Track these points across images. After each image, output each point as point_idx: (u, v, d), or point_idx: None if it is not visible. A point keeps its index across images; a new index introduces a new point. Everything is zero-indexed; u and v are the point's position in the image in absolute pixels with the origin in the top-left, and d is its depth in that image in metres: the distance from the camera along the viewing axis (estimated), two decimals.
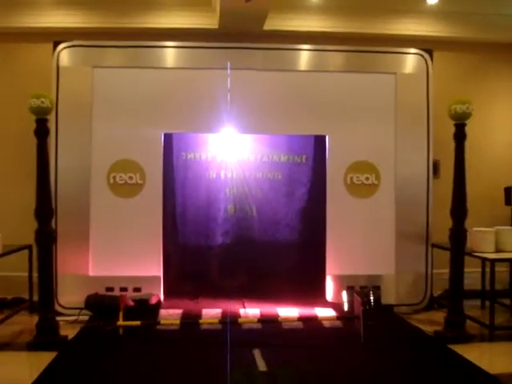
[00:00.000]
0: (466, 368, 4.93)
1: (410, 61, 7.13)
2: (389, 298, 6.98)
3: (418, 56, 7.11)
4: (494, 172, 7.90)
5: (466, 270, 6.32)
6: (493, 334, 5.85)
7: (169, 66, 6.97)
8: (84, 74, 6.76)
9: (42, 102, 5.42)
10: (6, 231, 6.32)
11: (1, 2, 7.12)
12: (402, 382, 4.67)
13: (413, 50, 7.14)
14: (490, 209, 7.63)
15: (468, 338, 5.74)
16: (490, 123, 8.02)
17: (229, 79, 6.86)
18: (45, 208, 5.62)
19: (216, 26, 7.22)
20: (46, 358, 5.09)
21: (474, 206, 6.71)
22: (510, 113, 8.13)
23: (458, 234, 5.91)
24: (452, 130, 5.93)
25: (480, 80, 7.95)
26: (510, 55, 8.03)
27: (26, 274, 6.72)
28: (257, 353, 5.25)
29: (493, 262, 5.89)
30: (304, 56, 7.13)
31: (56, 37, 6.94)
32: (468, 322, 6.03)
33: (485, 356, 5.36)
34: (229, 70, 6.82)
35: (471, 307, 6.67)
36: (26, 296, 6.84)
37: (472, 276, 7.03)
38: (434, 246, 7.00)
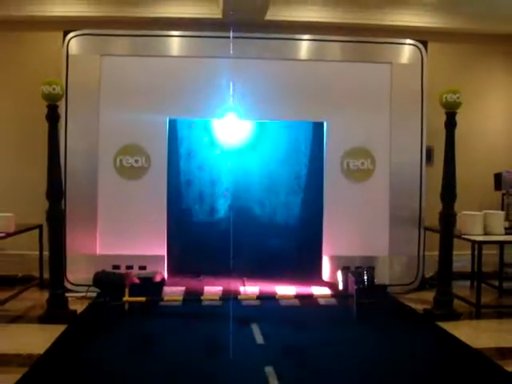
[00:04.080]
0: (452, 343, 5.24)
1: (406, 51, 7.35)
2: (382, 278, 7.26)
3: (414, 47, 7.33)
4: (485, 159, 8.12)
5: (458, 252, 6.62)
6: (479, 312, 6.11)
7: (174, 55, 7.20)
8: (92, 62, 7.00)
9: (54, 89, 5.65)
10: (18, 211, 6.61)
11: None
12: (391, 354, 4.95)
13: (408, 41, 7.35)
14: (481, 194, 7.85)
15: (455, 316, 6.03)
16: (483, 112, 8.25)
17: (231, 68, 7.07)
18: (55, 189, 5.88)
19: (220, 16, 7.42)
20: (56, 330, 5.40)
21: (466, 192, 7.00)
22: (501, 102, 8.35)
23: (448, 218, 6.15)
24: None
25: (473, 70, 8.15)
26: (503, 46, 8.23)
27: (37, 252, 7.00)
28: (255, 327, 5.52)
29: (480, 244, 6.15)
30: (303, 46, 7.35)
31: (66, 25, 7.17)
32: (456, 301, 6.31)
33: (470, 332, 5.60)
34: (231, 58, 7.03)
35: (461, 288, 6.96)
36: (36, 273, 7.15)
37: (464, 259, 7.33)
38: (426, 229, 7.26)
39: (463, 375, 4.47)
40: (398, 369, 4.58)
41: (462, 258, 7.27)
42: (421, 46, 7.33)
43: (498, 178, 7.60)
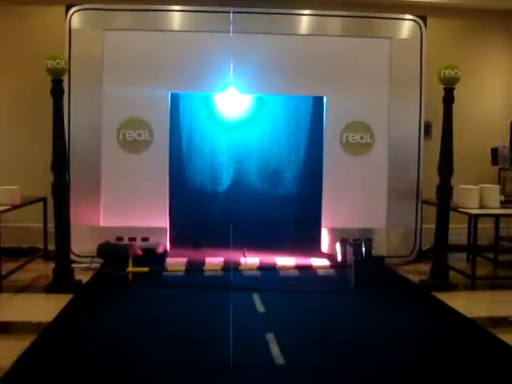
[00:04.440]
0: (447, 312, 5.39)
1: (405, 27, 7.41)
2: (380, 250, 7.41)
3: (413, 22, 7.38)
4: (483, 133, 8.22)
5: (456, 226, 6.81)
6: (474, 283, 6.26)
7: (176, 29, 7.26)
8: (95, 37, 7.05)
9: (58, 64, 5.73)
10: (22, 185, 6.74)
11: None
12: (388, 323, 5.11)
13: (408, 17, 7.41)
14: (478, 168, 7.95)
15: (450, 287, 6.18)
16: (481, 87, 8.33)
17: (232, 42, 7.13)
18: (60, 162, 5.98)
19: None
20: (63, 299, 5.54)
21: (464, 166, 7.13)
22: (500, 77, 8.44)
23: (444, 191, 6.28)
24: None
25: (472, 45, 8.22)
26: (501, 22, 8.29)
27: (40, 224, 7.13)
28: (256, 297, 5.70)
29: (475, 216, 6.29)
30: (303, 20, 7.39)
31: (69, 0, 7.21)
32: (452, 273, 6.48)
33: (465, 302, 5.75)
34: (232, 33, 7.08)
35: (458, 260, 7.15)
36: (40, 245, 7.30)
37: (461, 232, 7.48)
38: (423, 202, 7.39)
39: (456, 342, 4.64)
40: (394, 337, 4.75)
41: (459, 231, 7.44)
42: (420, 21, 7.38)
43: (494, 152, 7.70)
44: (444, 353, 4.37)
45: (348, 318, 5.22)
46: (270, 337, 4.55)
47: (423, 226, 7.48)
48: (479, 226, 6.33)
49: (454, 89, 6.16)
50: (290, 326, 4.93)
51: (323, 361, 4.19)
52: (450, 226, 6.45)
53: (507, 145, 7.73)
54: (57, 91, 5.87)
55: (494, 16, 8.23)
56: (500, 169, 7.86)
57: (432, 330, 4.94)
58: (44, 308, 5.53)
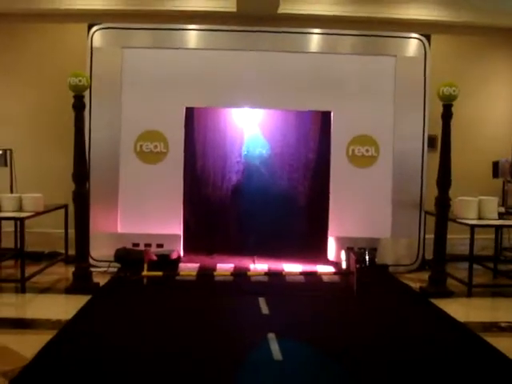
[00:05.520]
0: (442, 317, 5.67)
1: (410, 45, 7.71)
2: (385, 258, 7.72)
3: (418, 40, 7.68)
4: (486, 147, 8.48)
5: (462, 236, 7.06)
6: (471, 291, 6.51)
7: (190, 47, 7.62)
8: (114, 54, 7.46)
9: (80, 81, 6.12)
10: (45, 193, 7.15)
11: None
12: (386, 326, 5.41)
13: (413, 35, 7.71)
14: (481, 181, 8.17)
15: (447, 294, 6.45)
16: (484, 103, 8.60)
17: (245, 59, 7.60)
18: (81, 172, 6.36)
19: (234, 10, 7.88)
20: (81, 299, 5.91)
21: (466, 178, 7.41)
22: (503, 93, 8.71)
23: (443, 202, 6.55)
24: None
25: (475, 62, 8.50)
26: (505, 39, 8.57)
27: (60, 230, 7.58)
28: (262, 300, 5.99)
29: (472, 227, 6.52)
30: (313, 39, 7.73)
31: (90, 18, 7.67)
32: (452, 281, 6.77)
33: (459, 308, 6.01)
34: (244, 50, 7.57)
35: (461, 269, 7.36)
36: (61, 250, 7.71)
37: (465, 242, 7.70)
38: (426, 213, 7.66)
39: (445, 343, 4.93)
40: (389, 337, 5.05)
41: (465, 242, 7.66)
42: (424, 39, 7.68)
43: (495, 165, 7.94)
44: (431, 351, 4.68)
45: (347, 321, 5.52)
46: (272, 336, 4.86)
47: (427, 236, 7.70)
48: (484, 236, 6.55)
49: (452, 105, 6.40)
50: (292, 326, 5.24)
51: (318, 358, 4.49)
52: (458, 236, 6.69)
53: (510, 158, 7.94)
54: (78, 106, 6.24)
55: (497, 33, 8.49)
56: (504, 181, 8.08)
57: (424, 331, 5.23)
58: (64, 307, 5.90)
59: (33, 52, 8.17)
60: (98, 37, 7.45)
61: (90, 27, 7.47)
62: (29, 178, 7.89)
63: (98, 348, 4.63)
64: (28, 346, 4.55)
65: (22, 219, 6.36)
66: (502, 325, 5.45)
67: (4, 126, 8.17)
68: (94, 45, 7.43)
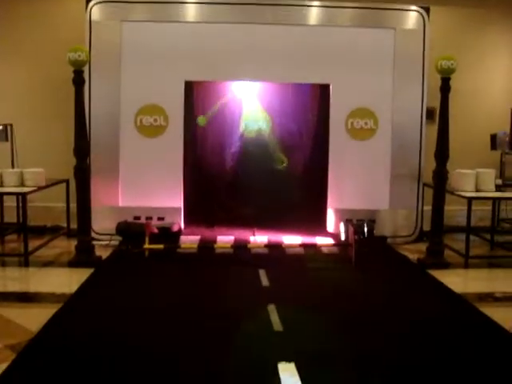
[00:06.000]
0: (438, 288, 5.79)
1: (409, 17, 7.69)
2: (383, 230, 7.80)
3: (417, 13, 7.67)
4: (485, 119, 8.51)
5: (457, 208, 7.19)
6: (467, 262, 6.63)
7: (189, 20, 7.59)
8: (113, 28, 7.43)
9: (79, 56, 6.11)
10: (46, 168, 7.22)
11: None
12: (384, 297, 5.53)
13: (412, 7, 7.69)
14: (479, 153, 8.23)
15: (445, 265, 6.56)
16: (483, 74, 8.61)
17: (244, 32, 7.58)
18: (82, 147, 6.41)
19: None
20: (84, 273, 6.02)
21: (465, 151, 7.44)
22: (501, 65, 8.71)
23: (440, 175, 6.62)
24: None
25: (474, 34, 8.48)
26: (503, 12, 8.54)
27: (62, 204, 7.66)
28: (262, 272, 6.11)
29: (470, 199, 6.61)
30: (312, 12, 7.69)
31: None
32: (449, 252, 6.88)
33: (455, 279, 6.11)
34: (242, 23, 7.55)
35: (457, 241, 7.48)
36: (63, 224, 7.80)
37: (462, 214, 7.78)
38: (424, 185, 7.73)
39: (441, 313, 5.06)
40: (386, 307, 5.19)
41: (462, 213, 7.73)
42: (423, 12, 7.66)
43: (493, 138, 7.96)
44: (426, 321, 4.80)
45: (346, 291, 5.64)
46: (271, 307, 4.97)
47: (425, 207, 7.74)
48: (481, 208, 6.59)
49: (450, 79, 6.42)
50: (291, 297, 5.36)
51: (318, 327, 4.60)
52: (455, 208, 6.76)
53: (508, 131, 7.98)
54: (78, 81, 6.24)
55: (497, 6, 8.47)
56: (501, 154, 8.13)
57: (421, 301, 5.36)
58: (67, 281, 6.03)
59: (32, 26, 8.14)
60: (96, 10, 7.42)
61: (88, 1, 7.44)
62: (30, 152, 7.92)
63: (102, 320, 4.73)
64: (33, 319, 4.68)
65: (24, 194, 6.45)
66: (498, 295, 5.56)
67: (4, 101, 8.19)
68: (92, 18, 7.40)
